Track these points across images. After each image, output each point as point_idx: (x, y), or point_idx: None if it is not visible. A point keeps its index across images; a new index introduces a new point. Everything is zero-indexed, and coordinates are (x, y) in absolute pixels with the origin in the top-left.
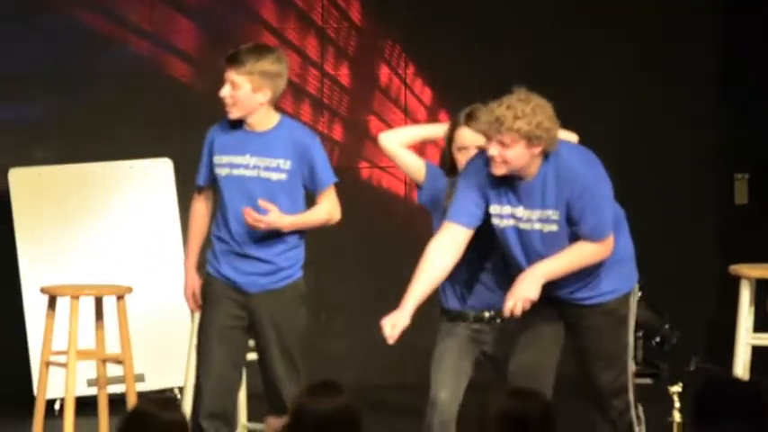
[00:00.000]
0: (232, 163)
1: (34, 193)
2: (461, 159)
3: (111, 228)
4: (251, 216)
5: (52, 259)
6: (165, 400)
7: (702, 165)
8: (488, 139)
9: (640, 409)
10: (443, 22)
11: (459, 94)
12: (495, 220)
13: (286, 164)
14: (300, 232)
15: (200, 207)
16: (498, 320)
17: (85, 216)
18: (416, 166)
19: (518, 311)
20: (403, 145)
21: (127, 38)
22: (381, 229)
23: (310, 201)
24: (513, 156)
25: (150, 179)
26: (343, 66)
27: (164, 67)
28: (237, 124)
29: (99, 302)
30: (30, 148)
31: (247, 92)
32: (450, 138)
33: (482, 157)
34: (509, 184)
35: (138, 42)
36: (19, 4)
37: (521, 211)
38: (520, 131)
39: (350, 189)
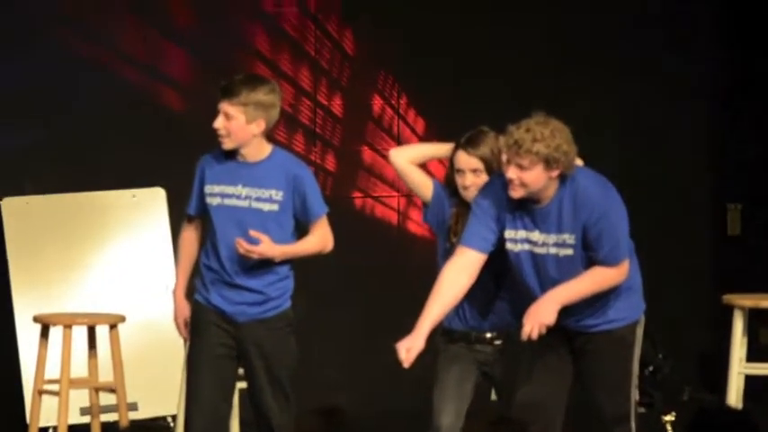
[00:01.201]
0: (224, 193)
1: (26, 223)
2: (459, 181)
3: (103, 257)
4: (243, 246)
5: (45, 288)
6: (148, 426)
7: (695, 195)
8: (507, 162)
9: None
10: (436, 52)
11: (452, 124)
12: (509, 245)
13: (278, 194)
14: (290, 263)
15: (190, 236)
16: (500, 342)
17: (78, 245)
18: (424, 185)
19: (535, 335)
20: (413, 162)
21: (119, 66)
22: (375, 258)
23: (301, 231)
24: (532, 179)
25: (143, 208)
26: (336, 96)
27: (156, 97)
28: (230, 154)
29: (92, 331)
30: (21, 178)
31: (241, 123)
32: (450, 159)
33: (497, 180)
34: (524, 209)
35: (130, 71)
36: (10, 33)
37: (536, 236)
38: (539, 154)
39: (343, 219)
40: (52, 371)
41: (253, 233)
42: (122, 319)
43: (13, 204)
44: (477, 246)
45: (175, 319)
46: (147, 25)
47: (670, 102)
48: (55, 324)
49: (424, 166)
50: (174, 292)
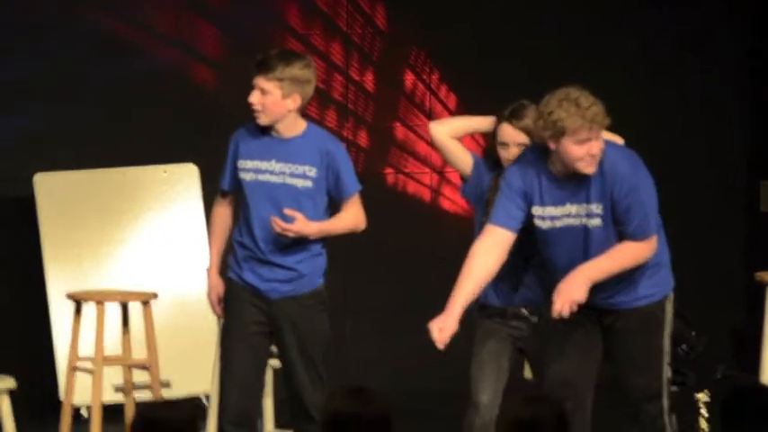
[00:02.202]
0: (258, 168)
1: (59, 199)
2: (503, 155)
3: (136, 233)
4: (279, 225)
5: (78, 265)
6: (171, 403)
7: (728, 171)
8: (584, 139)
9: (674, 417)
10: (468, 27)
11: (483, 100)
12: (537, 221)
13: (312, 171)
14: (323, 240)
15: (223, 211)
16: (536, 318)
17: (111, 221)
18: (464, 159)
19: (566, 313)
20: (452, 136)
21: (152, 44)
22: (407, 235)
23: (333, 208)
24: (602, 146)
25: (175, 184)
26: (368, 72)
27: (189, 73)
28: (264, 129)
29: (125, 308)
30: (55, 154)
31: (277, 98)
32: (494, 132)
33: (526, 157)
34: (553, 183)
35: (163, 49)
36: (47, 12)
37: (568, 208)
38: (607, 119)
39: (375, 195)
40: (85, 348)
41: (288, 211)
42: (155, 295)
43: (45, 180)
44: (505, 224)
45: (209, 295)
46: (179, 3)
47: (703, 77)
48: (88, 301)
49: (460, 139)
50: (209, 269)
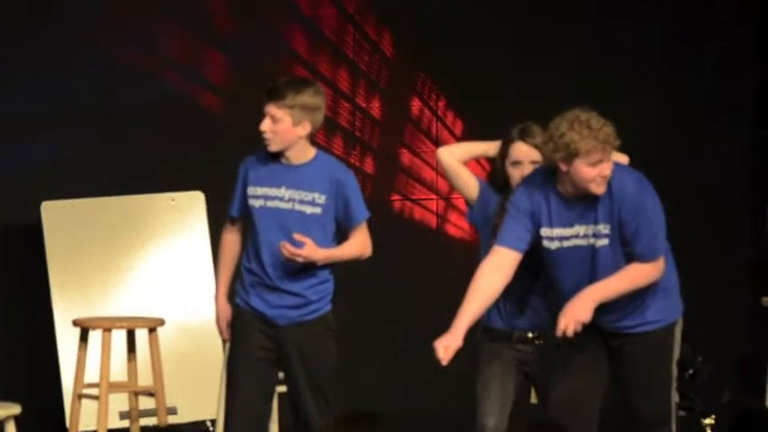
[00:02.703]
0: (267, 195)
1: (67, 226)
2: (515, 174)
3: (142, 260)
4: (288, 250)
5: (84, 292)
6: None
7: (732, 195)
8: (597, 161)
9: None
10: (475, 54)
11: (490, 126)
12: (545, 243)
13: (321, 198)
14: (331, 266)
15: (232, 238)
16: (541, 342)
17: (117, 249)
18: (471, 184)
19: (570, 333)
20: (460, 160)
21: (160, 71)
22: (413, 261)
23: (341, 235)
24: (611, 167)
25: (182, 212)
26: (374, 98)
27: (196, 101)
28: (273, 156)
29: (131, 335)
30: (62, 181)
31: (287, 125)
32: (504, 153)
33: (533, 178)
34: (561, 204)
35: (170, 75)
36: (54, 39)
37: (576, 229)
38: (618, 141)
39: (382, 221)
40: (92, 375)
41: (297, 236)
42: (161, 322)
43: (52, 208)
44: (512, 245)
45: (217, 321)
46: (186, 30)
47: (708, 102)
48: (94, 328)
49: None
50: (216, 294)
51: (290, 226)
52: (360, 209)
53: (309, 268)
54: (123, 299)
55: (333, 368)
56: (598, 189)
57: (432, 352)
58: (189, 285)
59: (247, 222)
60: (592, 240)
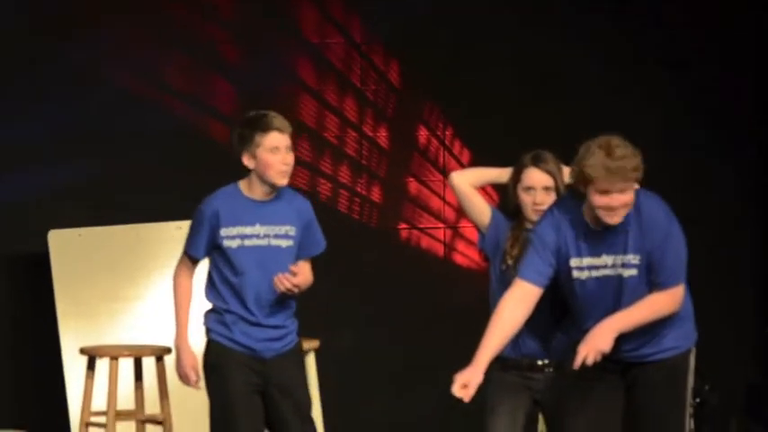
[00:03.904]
0: (243, 234)
1: (74, 255)
2: (527, 200)
3: (149, 289)
4: (289, 281)
5: (91, 320)
6: None
7: (740, 224)
8: (604, 190)
9: None
10: (482, 83)
11: (497, 155)
12: (575, 273)
13: (292, 230)
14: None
15: (188, 279)
16: (551, 370)
17: (124, 277)
18: (483, 210)
19: (590, 361)
20: (473, 185)
21: (166, 100)
22: (420, 290)
23: None
24: (630, 200)
25: None
26: (381, 127)
27: (203, 129)
28: (238, 195)
29: (138, 363)
30: (69, 210)
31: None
32: (516, 179)
33: (556, 210)
34: (590, 234)
35: (177, 104)
36: (58, 67)
37: (604, 259)
38: (637, 178)
39: (389, 250)
40: (99, 403)
41: (293, 268)
42: (168, 350)
43: (59, 237)
44: (533, 280)
45: (183, 368)
46: (193, 58)
47: (714, 128)
48: (101, 356)
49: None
50: (179, 339)
51: (269, 262)
52: (321, 238)
53: (283, 300)
54: (130, 327)
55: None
56: (607, 218)
57: (441, 382)
58: (196, 314)
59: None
60: (620, 270)
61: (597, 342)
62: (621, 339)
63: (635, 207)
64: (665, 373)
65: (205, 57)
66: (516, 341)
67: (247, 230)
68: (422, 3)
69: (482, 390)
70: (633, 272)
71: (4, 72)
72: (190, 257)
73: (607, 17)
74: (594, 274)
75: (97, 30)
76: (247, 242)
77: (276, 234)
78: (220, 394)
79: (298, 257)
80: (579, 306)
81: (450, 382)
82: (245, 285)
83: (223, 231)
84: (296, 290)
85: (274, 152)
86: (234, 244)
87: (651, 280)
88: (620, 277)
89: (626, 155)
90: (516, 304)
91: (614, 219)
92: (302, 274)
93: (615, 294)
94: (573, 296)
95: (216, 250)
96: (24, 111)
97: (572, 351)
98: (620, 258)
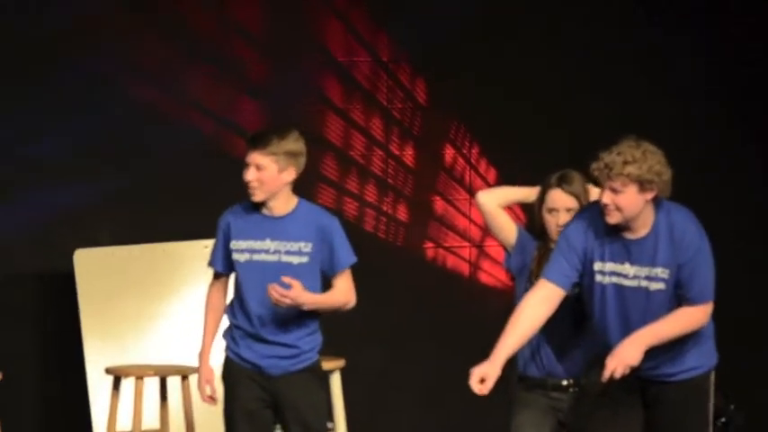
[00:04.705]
0: (252, 248)
1: (99, 274)
2: (551, 221)
3: (175, 307)
4: (277, 291)
5: (116, 339)
6: None
7: (762, 240)
8: (600, 187)
9: None
10: (509, 102)
11: (523, 174)
12: (597, 277)
13: (307, 246)
14: (318, 318)
15: (218, 295)
16: (576, 389)
17: (150, 296)
18: (509, 229)
19: (618, 375)
20: (499, 205)
21: (191, 117)
22: (446, 308)
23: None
24: (626, 202)
25: None
26: (408, 146)
27: (229, 147)
28: (254, 208)
29: (163, 382)
30: (94, 229)
31: (273, 173)
32: (541, 199)
33: (586, 212)
34: (616, 240)
35: (203, 122)
36: (84, 84)
37: (626, 268)
38: (630, 176)
39: (415, 269)
40: (124, 422)
41: (285, 279)
42: (194, 370)
43: (85, 256)
44: (557, 281)
45: (199, 381)
46: (220, 76)
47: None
48: (127, 375)
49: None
50: (201, 354)
51: (277, 278)
52: (345, 255)
53: (298, 319)
54: (156, 346)
55: (326, 414)
56: (605, 216)
57: (469, 401)
58: (221, 332)
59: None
60: (644, 283)
61: (626, 356)
62: (644, 357)
63: (666, 218)
64: (687, 392)
65: (232, 74)
66: (540, 360)
67: (257, 245)
68: (448, 21)
69: (498, 408)
70: (660, 285)
71: (31, 88)
72: (214, 270)
73: (636, 36)
74: (615, 280)
75: (125, 45)
76: (256, 257)
77: (288, 250)
78: (226, 408)
79: (324, 275)
80: (600, 317)
81: (476, 400)
82: (249, 299)
83: (233, 244)
84: (287, 301)
85: (245, 169)
86: (242, 258)
87: (680, 295)
88: (645, 290)
89: (623, 153)
90: (538, 303)
91: (608, 217)
92: (296, 289)
93: (639, 308)
94: (594, 305)
95: (233, 264)
96: (50, 128)
97: (591, 369)
98: (645, 270)
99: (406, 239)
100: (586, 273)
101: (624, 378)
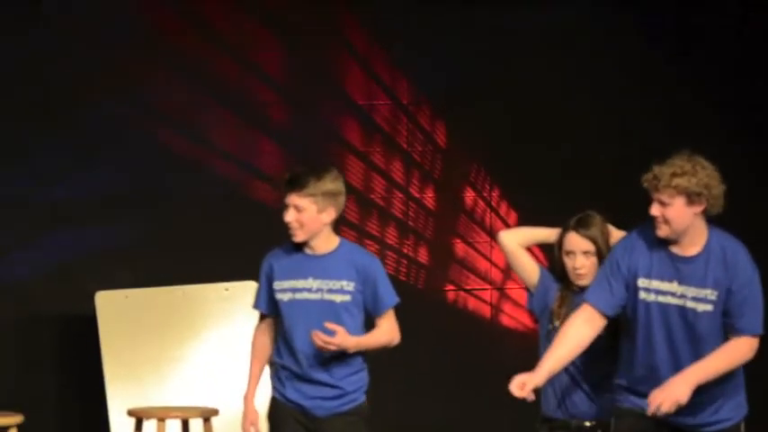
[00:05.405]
0: (294, 287)
1: (120, 316)
2: (568, 263)
3: (197, 350)
4: (320, 338)
5: (138, 381)
6: None
7: None
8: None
9: None
10: (529, 145)
11: (544, 217)
12: (642, 294)
13: (350, 285)
14: (363, 356)
15: (264, 338)
16: (599, 431)
17: (171, 338)
18: (531, 269)
19: (664, 410)
20: (521, 245)
21: (212, 160)
22: (467, 351)
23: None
24: (674, 214)
25: (236, 302)
26: (428, 189)
27: (248, 190)
28: (296, 248)
29: (185, 425)
30: (116, 271)
31: (312, 214)
32: (559, 242)
33: (642, 228)
34: (666, 258)
35: (222, 165)
36: (105, 127)
37: (674, 287)
38: (677, 188)
39: (436, 311)
40: None
41: (328, 325)
42: (216, 412)
43: (106, 298)
44: (600, 306)
45: (243, 423)
46: (240, 119)
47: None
48: (149, 417)
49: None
50: (246, 394)
51: (321, 316)
52: (388, 295)
53: (343, 357)
54: (177, 389)
55: None
56: (657, 231)
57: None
58: (243, 375)
59: (278, 317)
60: (691, 304)
61: (675, 391)
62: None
63: (719, 241)
64: None
65: (252, 117)
66: (564, 402)
67: (299, 284)
68: (467, 63)
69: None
70: (708, 307)
71: (53, 131)
72: (259, 312)
73: (665, 69)
74: (661, 299)
75: (146, 90)
76: (298, 295)
77: (330, 288)
78: None
79: (369, 315)
80: (645, 336)
81: None
82: (295, 339)
83: (276, 284)
84: (332, 348)
85: (285, 210)
86: (285, 297)
87: (728, 324)
88: (692, 311)
89: (672, 165)
90: (582, 323)
91: (657, 231)
92: (341, 334)
93: (684, 328)
94: (638, 323)
95: (277, 305)
96: (73, 171)
97: (616, 407)
98: (693, 290)
99: (426, 282)
100: (630, 289)
101: (655, 427)
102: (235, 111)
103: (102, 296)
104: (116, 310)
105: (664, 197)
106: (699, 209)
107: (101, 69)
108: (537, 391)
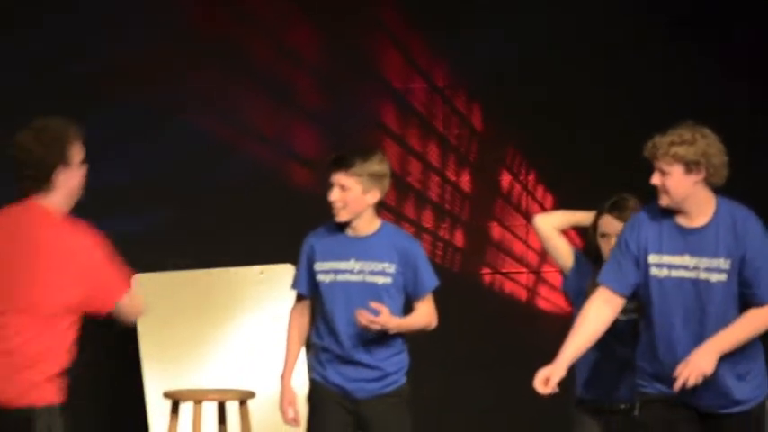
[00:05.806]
0: (336, 269)
1: (158, 299)
2: (604, 247)
3: (233, 332)
4: (365, 318)
5: (175, 364)
6: None
7: None
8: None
9: None
10: (565, 128)
11: (580, 200)
12: (653, 270)
13: (391, 267)
14: (403, 338)
15: (302, 319)
16: (634, 414)
17: (208, 321)
18: (566, 252)
19: (691, 382)
20: (557, 228)
21: (248, 144)
22: (503, 335)
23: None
24: (673, 184)
25: (273, 285)
26: (464, 172)
27: (286, 174)
28: (338, 229)
29: (222, 407)
30: (155, 255)
31: (357, 194)
32: (594, 225)
33: (649, 206)
34: (674, 231)
35: (261, 149)
36: (142, 111)
37: (686, 260)
38: (675, 156)
39: (472, 295)
40: None
41: (374, 305)
42: (252, 394)
43: (144, 281)
44: (615, 288)
45: (282, 403)
46: (277, 104)
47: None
48: (185, 400)
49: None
50: (283, 375)
51: (362, 298)
52: (429, 278)
53: (384, 339)
54: (214, 371)
55: None
56: (659, 201)
57: (526, 428)
58: (279, 358)
59: (316, 299)
60: (704, 275)
61: (700, 363)
62: (701, 392)
63: (729, 211)
64: (747, 423)
65: (289, 102)
66: (599, 383)
67: (341, 265)
68: (504, 47)
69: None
70: (722, 277)
71: (91, 117)
72: (297, 293)
73: (699, 60)
74: (674, 273)
75: (182, 74)
76: (340, 277)
77: (372, 270)
78: (311, 430)
79: (408, 298)
80: (662, 314)
81: (535, 424)
82: (336, 320)
83: (317, 266)
84: (375, 327)
85: (329, 189)
86: (327, 279)
87: (746, 294)
88: (706, 282)
89: (671, 135)
90: (601, 305)
91: (660, 200)
92: (385, 314)
93: (701, 300)
94: (653, 301)
95: (317, 286)
96: (110, 156)
97: (640, 392)
98: (705, 261)
99: (462, 265)
100: (641, 267)
101: (680, 408)
102: (271, 95)
103: (141, 279)
104: (154, 292)
105: (663, 165)
106: (697, 177)
107: (136, 55)
108: (570, 372)
